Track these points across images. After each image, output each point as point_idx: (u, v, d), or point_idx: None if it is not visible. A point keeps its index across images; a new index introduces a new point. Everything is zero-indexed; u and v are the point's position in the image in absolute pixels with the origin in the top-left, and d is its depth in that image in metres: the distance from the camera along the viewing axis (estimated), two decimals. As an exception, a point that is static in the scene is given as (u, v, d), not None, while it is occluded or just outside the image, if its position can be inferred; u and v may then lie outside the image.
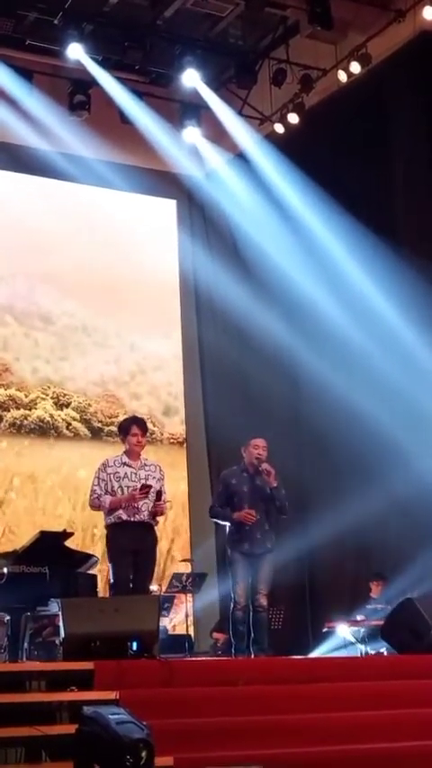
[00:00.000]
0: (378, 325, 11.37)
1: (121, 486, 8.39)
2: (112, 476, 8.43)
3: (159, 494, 8.42)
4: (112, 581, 8.37)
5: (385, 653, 9.53)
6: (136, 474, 8.46)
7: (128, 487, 8.37)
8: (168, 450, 13.94)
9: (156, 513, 8.46)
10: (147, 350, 14.30)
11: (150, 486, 8.34)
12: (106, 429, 13.54)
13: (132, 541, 8.36)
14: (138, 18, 12.29)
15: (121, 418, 10.60)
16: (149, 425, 12.17)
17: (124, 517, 8.34)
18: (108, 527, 8.50)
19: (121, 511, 8.34)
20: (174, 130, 13.20)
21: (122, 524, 8.36)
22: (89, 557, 9.05)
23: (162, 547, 12.59)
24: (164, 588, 11.38)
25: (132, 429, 8.62)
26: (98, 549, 11.36)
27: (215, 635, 12.07)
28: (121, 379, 14.07)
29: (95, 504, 8.52)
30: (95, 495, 8.46)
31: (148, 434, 9.17)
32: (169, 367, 14.40)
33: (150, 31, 12.27)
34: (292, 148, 12.61)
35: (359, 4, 11.81)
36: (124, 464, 8.50)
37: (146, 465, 8.57)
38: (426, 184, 11.60)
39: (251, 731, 6.26)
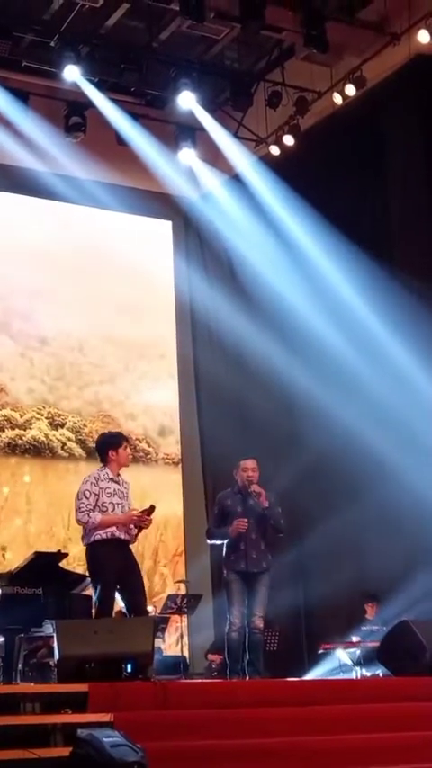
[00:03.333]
0: (373, 346, 11.40)
1: (112, 503, 8.20)
2: (104, 491, 8.21)
3: (152, 509, 8.32)
4: (98, 601, 8.11)
5: (381, 675, 9.51)
6: (120, 490, 8.36)
7: (117, 504, 8.23)
8: (163, 471, 13.93)
9: (142, 528, 8.37)
10: (142, 370, 14.30)
11: (152, 510, 8.26)
12: (101, 449, 13.50)
13: (119, 559, 8.18)
14: (134, 40, 12.36)
15: (107, 433, 10.25)
16: (144, 446, 12.21)
17: (116, 534, 8.21)
18: (91, 545, 8.21)
19: (114, 528, 8.24)
20: (169, 152, 13.23)
21: (110, 541, 8.15)
22: (84, 578, 9.01)
23: (156, 568, 12.62)
24: (159, 609, 11.35)
25: (123, 443, 8.53)
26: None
27: (210, 656, 12.03)
28: (116, 399, 14.06)
29: (84, 520, 8.20)
30: (85, 510, 8.18)
31: (143, 454, 9.15)
32: (165, 387, 14.40)
33: (146, 54, 12.32)
34: (288, 170, 12.65)
35: (354, 27, 11.87)
36: (111, 480, 8.33)
37: (125, 482, 8.47)
38: (421, 206, 11.64)
39: (246, 754, 6.23)
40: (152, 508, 8.28)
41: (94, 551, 8.19)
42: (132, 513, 8.24)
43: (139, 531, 8.40)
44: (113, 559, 8.16)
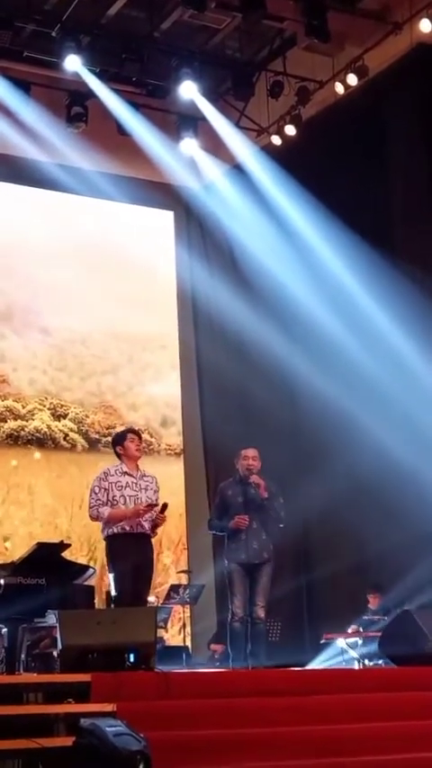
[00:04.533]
0: (375, 336, 11.39)
1: (123, 496, 8.39)
2: (114, 485, 8.41)
3: (165, 506, 8.42)
4: (114, 593, 8.31)
5: (383, 665, 9.52)
6: (137, 484, 8.47)
7: (130, 497, 8.38)
8: (166, 462, 13.93)
9: (157, 524, 8.47)
10: (144, 361, 14.30)
11: (156, 505, 8.36)
12: (103, 440, 13.52)
13: (133, 553, 8.35)
14: (135, 30, 12.33)
15: (119, 429, 10.61)
16: (146, 436, 12.20)
17: (127, 528, 8.34)
18: (107, 538, 8.48)
19: (124, 522, 8.34)
20: (171, 142, 13.20)
21: (123, 535, 8.36)
22: (86, 568, 9.04)
23: (160, 558, 12.61)
24: (161, 600, 11.36)
25: (129, 436, 8.69)
26: (95, 560, 11.38)
27: (213, 647, 12.05)
28: (118, 390, 14.06)
29: (93, 515, 8.51)
30: (94, 505, 8.44)
31: (145, 445, 9.18)
32: (167, 378, 14.40)
33: (148, 44, 12.29)
34: (290, 160, 12.63)
35: (356, 16, 11.84)
36: (125, 473, 8.50)
37: (144, 476, 8.59)
38: (423, 195, 11.63)
39: (249, 743, 6.24)
40: (165, 506, 8.37)
41: (109, 546, 8.46)
42: (139, 506, 8.31)
43: (155, 526, 8.45)
44: (127, 553, 8.33)
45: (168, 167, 13.32)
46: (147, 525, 8.41)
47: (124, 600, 8.22)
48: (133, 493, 8.40)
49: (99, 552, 9.04)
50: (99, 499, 8.42)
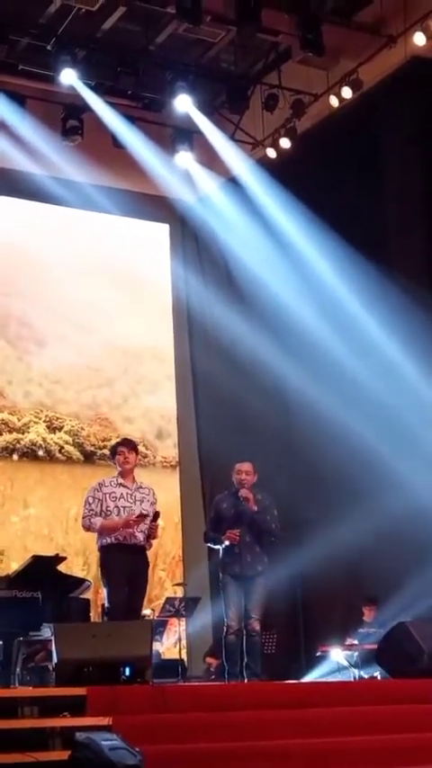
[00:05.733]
0: (370, 348, 11.40)
1: (117, 507, 8.42)
2: (107, 495, 8.45)
3: (156, 515, 8.43)
4: (107, 605, 8.34)
5: (379, 677, 9.51)
6: (132, 495, 8.49)
7: (124, 508, 8.39)
8: (161, 474, 13.92)
9: (151, 536, 8.47)
10: (140, 373, 14.30)
11: (147, 516, 8.37)
12: (99, 452, 13.52)
13: (126, 564, 8.36)
14: (130, 44, 12.36)
15: (114, 442, 10.61)
16: (142, 449, 12.18)
17: (120, 539, 8.34)
18: (101, 549, 8.49)
19: (117, 533, 8.34)
20: (166, 155, 13.23)
21: (116, 546, 8.37)
22: (82, 581, 9.05)
23: (155, 571, 12.60)
24: (157, 613, 11.35)
25: (118, 448, 8.73)
26: (90, 574, 11.36)
27: (208, 660, 12.03)
28: (113, 403, 14.06)
29: (86, 525, 8.53)
30: (87, 515, 8.47)
31: (140, 458, 9.17)
32: (162, 390, 14.40)
33: (143, 57, 12.33)
34: (285, 173, 12.66)
35: (350, 30, 11.89)
36: (120, 485, 8.54)
37: (140, 488, 8.60)
38: (417, 208, 11.66)
39: (244, 757, 6.24)
40: (156, 515, 8.38)
41: (102, 556, 8.50)
42: (130, 516, 8.32)
43: (149, 537, 8.45)
44: (119, 565, 8.35)
45: (163, 180, 13.35)
46: (141, 536, 8.40)
47: (117, 612, 8.22)
48: (127, 504, 8.42)
49: (94, 565, 9.02)
50: (92, 509, 8.46)
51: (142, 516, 8.32)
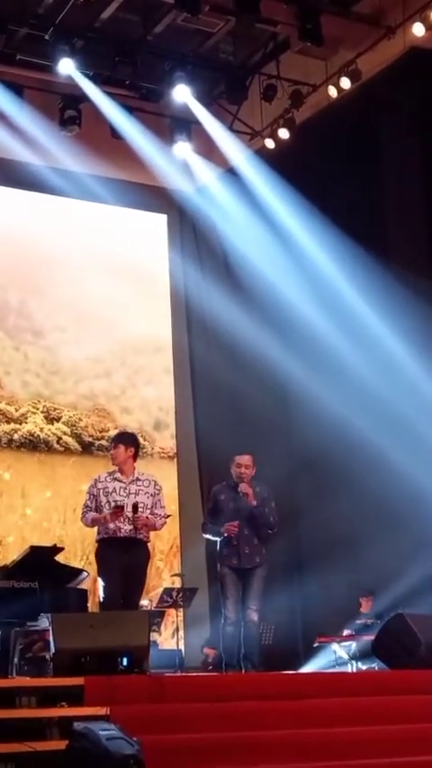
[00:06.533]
0: (368, 340, 11.40)
1: (109, 501, 8.46)
2: (101, 491, 8.51)
3: (135, 507, 8.38)
4: (101, 597, 8.37)
5: (376, 668, 9.52)
6: (125, 488, 8.48)
7: (116, 502, 8.40)
8: (159, 465, 13.90)
9: (137, 527, 8.41)
10: (137, 364, 14.29)
11: (122, 507, 8.32)
12: (97, 443, 13.52)
13: (120, 557, 8.37)
14: (128, 34, 12.33)
15: (112, 432, 10.63)
16: (139, 440, 12.17)
17: (110, 532, 8.38)
18: (97, 542, 8.59)
19: (110, 526, 8.36)
20: (164, 145, 13.21)
21: (110, 540, 8.43)
22: (79, 572, 9.04)
23: (153, 561, 12.60)
24: (154, 603, 11.35)
25: (112, 444, 8.83)
26: (88, 564, 11.36)
27: (206, 650, 12.03)
28: (111, 394, 14.05)
29: (83, 522, 8.73)
30: (83, 512, 8.62)
31: (139, 449, 9.13)
32: (160, 381, 14.39)
33: (141, 47, 12.29)
34: (283, 163, 12.64)
35: (349, 20, 11.86)
36: (115, 479, 8.56)
37: (138, 479, 8.57)
38: (416, 199, 11.65)
39: (242, 747, 6.24)
40: (135, 507, 8.33)
41: (97, 550, 8.61)
42: (106, 513, 8.38)
43: (136, 529, 8.42)
44: (112, 557, 8.40)
45: (162, 171, 13.33)
46: (127, 528, 8.38)
47: (111, 604, 8.25)
48: (119, 497, 8.43)
49: (92, 556, 9.04)
50: (88, 506, 8.58)
51: (118, 508, 8.31)
